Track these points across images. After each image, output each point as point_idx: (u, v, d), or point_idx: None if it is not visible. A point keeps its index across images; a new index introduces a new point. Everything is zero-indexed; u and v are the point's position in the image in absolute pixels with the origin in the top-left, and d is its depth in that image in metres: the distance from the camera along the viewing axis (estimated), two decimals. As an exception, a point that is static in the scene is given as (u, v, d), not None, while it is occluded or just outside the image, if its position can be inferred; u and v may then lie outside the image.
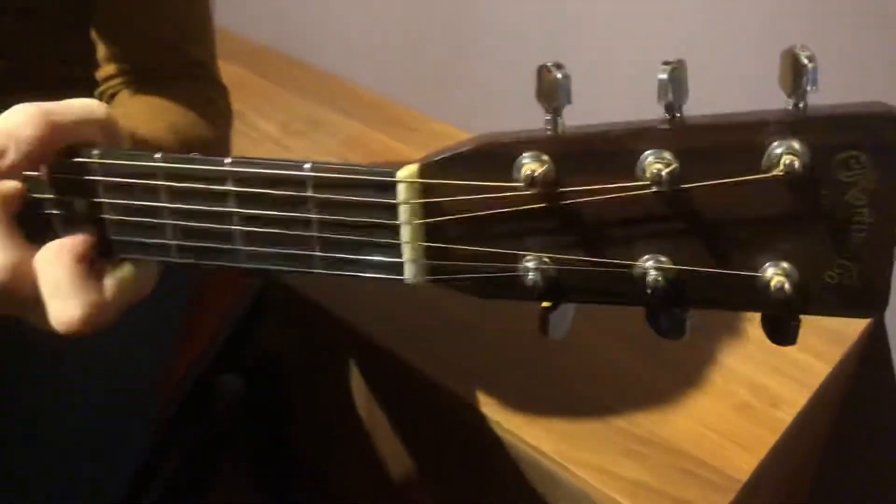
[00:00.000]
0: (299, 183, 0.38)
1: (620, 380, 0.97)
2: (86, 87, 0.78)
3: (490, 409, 0.96)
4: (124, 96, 0.75)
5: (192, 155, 0.40)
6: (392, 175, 0.36)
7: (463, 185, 0.35)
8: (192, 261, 0.42)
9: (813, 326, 0.93)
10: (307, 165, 0.37)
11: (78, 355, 0.77)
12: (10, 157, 0.40)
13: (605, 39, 1.18)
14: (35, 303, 0.42)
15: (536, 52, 1.28)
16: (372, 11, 1.47)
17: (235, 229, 0.40)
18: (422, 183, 0.36)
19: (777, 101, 0.33)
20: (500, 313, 1.05)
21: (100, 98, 0.77)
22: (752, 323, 1.02)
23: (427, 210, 0.36)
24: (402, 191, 0.36)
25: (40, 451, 0.75)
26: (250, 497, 1.29)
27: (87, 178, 0.42)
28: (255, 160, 0.39)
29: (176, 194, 0.40)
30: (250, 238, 0.40)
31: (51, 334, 0.43)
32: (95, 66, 0.77)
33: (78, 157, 0.42)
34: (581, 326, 1.00)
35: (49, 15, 0.76)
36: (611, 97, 1.07)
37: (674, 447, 0.90)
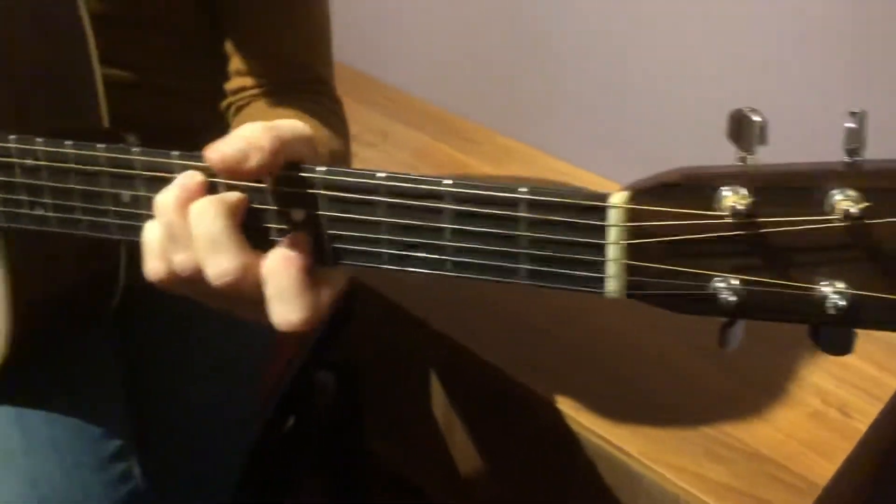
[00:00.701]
0: (512, 204, 0.43)
1: (700, 388, 1.02)
2: (203, 98, 0.83)
3: (573, 410, 1.01)
4: (254, 109, 0.80)
5: (411, 174, 0.45)
6: (604, 200, 0.41)
7: (667, 212, 0.41)
8: (399, 268, 0.47)
9: (881, 342, 0.97)
10: (523, 189, 0.43)
11: (199, 330, 0.83)
12: (252, 163, 0.45)
13: (660, 53, 1.23)
14: (254, 303, 0.48)
15: (598, 68, 1.33)
16: (438, 30, 1.53)
17: (447, 244, 0.45)
18: (631, 209, 0.41)
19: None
20: (579, 319, 1.11)
21: (227, 109, 0.83)
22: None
23: (632, 232, 0.41)
24: (613, 214, 0.41)
25: (171, 413, 0.80)
26: (320, 499, 1.33)
27: (310, 191, 0.47)
28: (472, 182, 0.44)
29: (394, 209, 0.46)
30: (460, 251, 0.45)
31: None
32: (219, 78, 0.82)
33: (300, 171, 0.48)
34: (664, 339, 1.06)
35: (180, 29, 0.81)
36: (673, 109, 1.13)
37: (756, 452, 0.95)
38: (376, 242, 0.47)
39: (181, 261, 0.48)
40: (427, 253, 0.46)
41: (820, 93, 1.08)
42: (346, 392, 1.18)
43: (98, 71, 0.65)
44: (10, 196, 0.57)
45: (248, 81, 0.81)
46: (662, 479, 0.94)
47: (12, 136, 0.55)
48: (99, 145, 0.53)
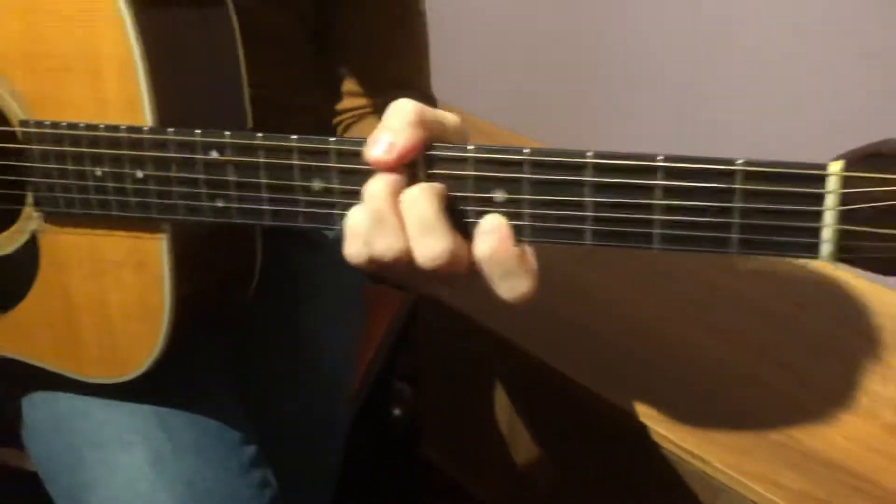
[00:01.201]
0: (728, 175, 0.46)
1: (777, 399, 1.05)
2: (308, 114, 0.86)
3: (649, 419, 1.03)
4: (367, 125, 0.83)
5: (622, 152, 0.48)
6: (823, 168, 0.45)
7: (879, 178, 0.44)
8: (603, 243, 0.50)
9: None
10: (739, 161, 0.46)
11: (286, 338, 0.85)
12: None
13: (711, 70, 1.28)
14: (445, 283, 0.51)
15: (648, 82, 1.38)
16: (493, 49, 1.58)
17: (656, 218, 0.48)
18: (846, 176, 0.44)
19: None
20: (651, 331, 1.14)
21: (336, 127, 0.86)
22: (891, 350, 1.11)
23: (847, 198, 0.45)
24: (831, 182, 0.45)
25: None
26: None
27: (514, 173, 0.50)
28: (685, 157, 0.47)
29: (601, 187, 0.49)
30: (669, 224, 0.48)
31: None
32: (329, 96, 0.85)
33: (502, 153, 0.50)
34: (738, 350, 1.09)
35: (294, 45, 0.84)
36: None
37: (834, 462, 0.98)
38: (581, 220, 0.50)
39: (386, 245, 0.50)
40: (636, 228, 0.49)
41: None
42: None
43: (245, 80, 0.68)
44: (190, 189, 0.59)
45: (359, 101, 0.84)
46: (743, 488, 0.96)
47: (198, 130, 0.58)
48: (292, 136, 0.55)
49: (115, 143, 0.60)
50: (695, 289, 1.21)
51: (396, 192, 0.50)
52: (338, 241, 0.54)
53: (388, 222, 0.50)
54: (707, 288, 1.20)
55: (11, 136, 0.64)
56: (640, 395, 1.05)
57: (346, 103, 0.84)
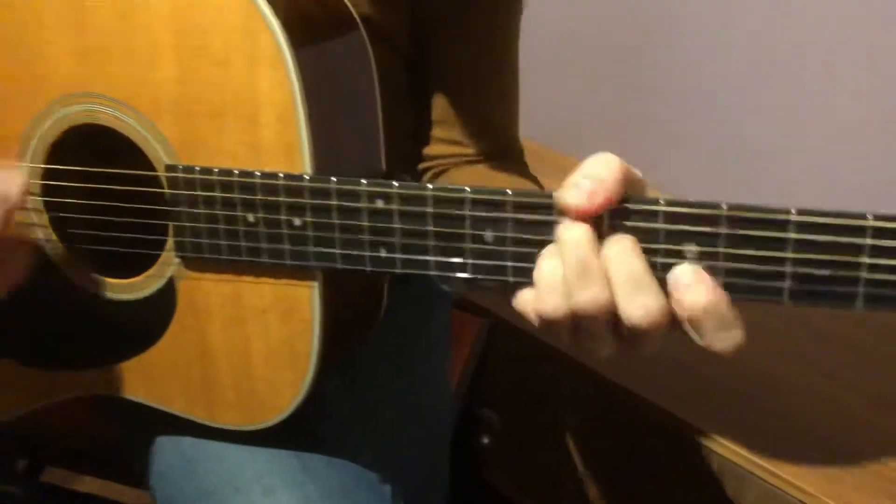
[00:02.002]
0: (859, 230, 0.46)
1: (873, 429, 1.04)
2: (407, 139, 0.85)
3: (742, 447, 1.03)
4: (462, 175, 0.82)
5: (827, 209, 0.48)
6: None
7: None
8: (801, 303, 0.49)
9: None
10: (869, 216, 0.46)
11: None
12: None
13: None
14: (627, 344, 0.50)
15: (709, 109, 1.38)
16: (541, 69, 1.57)
17: (862, 276, 0.48)
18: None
19: None
20: (733, 358, 1.13)
21: (423, 173, 0.84)
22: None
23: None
24: None
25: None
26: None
27: (708, 228, 0.49)
28: (817, 211, 0.47)
29: (805, 245, 0.48)
30: (875, 283, 0.47)
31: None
32: (418, 141, 0.84)
33: (691, 206, 0.50)
34: (822, 382, 1.09)
35: (388, 86, 0.83)
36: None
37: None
38: (780, 278, 0.49)
39: (591, 297, 0.49)
40: (840, 287, 0.48)
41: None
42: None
43: (381, 119, 0.67)
44: (352, 237, 0.58)
45: (447, 148, 0.82)
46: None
47: (364, 180, 0.57)
48: (465, 187, 0.54)
49: (271, 190, 0.59)
50: (777, 318, 1.20)
51: (596, 241, 0.50)
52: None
53: (594, 273, 0.49)
54: (791, 318, 1.20)
55: (155, 181, 0.63)
56: (731, 424, 1.05)
57: (435, 148, 0.83)
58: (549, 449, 1.24)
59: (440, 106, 0.81)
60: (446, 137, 0.82)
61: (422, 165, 0.84)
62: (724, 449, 1.03)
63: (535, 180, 0.82)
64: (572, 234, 0.50)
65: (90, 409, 0.81)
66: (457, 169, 0.83)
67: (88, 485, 1.27)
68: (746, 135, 1.37)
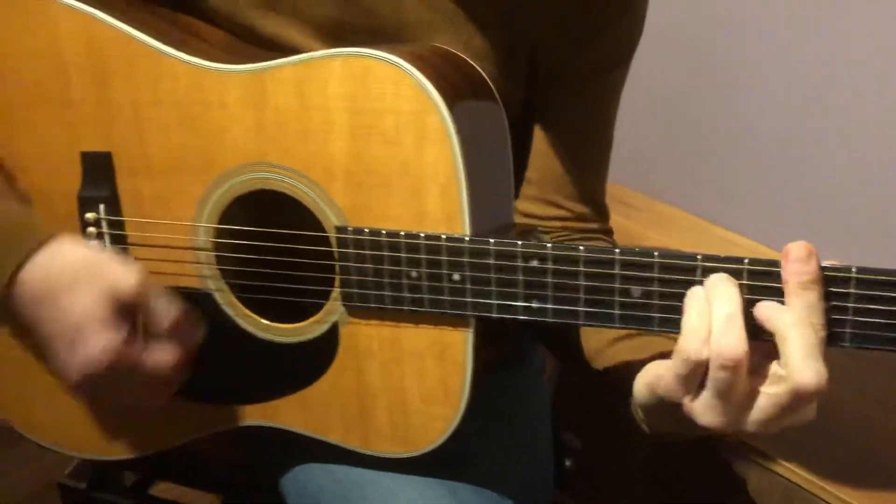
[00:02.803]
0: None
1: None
2: None
3: (827, 484, 1.08)
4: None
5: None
6: None
7: None
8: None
9: None
10: None
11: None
12: None
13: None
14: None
15: (760, 134, 1.44)
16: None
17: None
18: None
19: None
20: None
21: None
22: None
23: None
24: None
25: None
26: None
27: (841, 288, 0.57)
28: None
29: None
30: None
31: None
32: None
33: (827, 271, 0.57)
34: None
35: None
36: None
37: None
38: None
39: (730, 343, 0.57)
40: None
41: None
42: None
43: (512, 174, 0.74)
44: (507, 290, 0.66)
45: (546, 209, 0.86)
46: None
47: (519, 242, 0.65)
48: (616, 249, 0.62)
49: (435, 250, 0.67)
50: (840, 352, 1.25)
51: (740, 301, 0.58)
52: None
53: (737, 324, 0.57)
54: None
55: (324, 240, 0.71)
56: (807, 459, 1.09)
57: (529, 207, 0.86)
58: (621, 473, 1.29)
59: (536, 166, 0.86)
60: (538, 196, 0.86)
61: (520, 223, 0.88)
62: (798, 482, 1.08)
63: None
64: (725, 291, 0.58)
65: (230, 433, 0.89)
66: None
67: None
68: (807, 173, 1.43)
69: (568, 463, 1.19)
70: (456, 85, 0.68)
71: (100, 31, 0.73)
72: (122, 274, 0.67)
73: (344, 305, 0.72)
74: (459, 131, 0.66)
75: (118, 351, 0.66)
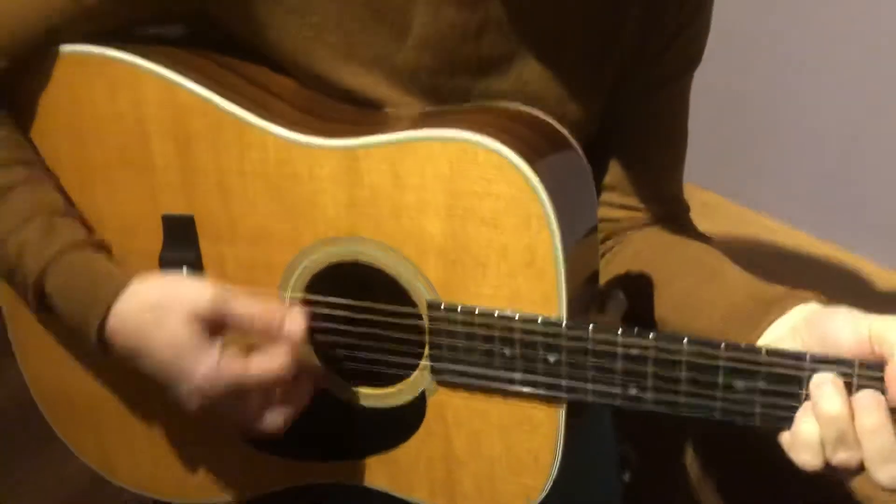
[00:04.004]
0: None
1: None
2: None
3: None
4: (634, 237, 0.86)
5: None
6: None
7: None
8: None
9: None
10: None
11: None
12: None
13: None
14: None
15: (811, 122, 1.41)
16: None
17: None
18: None
19: None
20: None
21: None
22: None
23: None
24: None
25: None
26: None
27: None
28: None
29: None
30: None
31: None
32: None
33: None
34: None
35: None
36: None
37: None
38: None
39: (844, 458, 0.57)
40: None
41: None
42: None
43: (599, 257, 0.73)
44: (604, 376, 0.66)
45: (624, 213, 0.87)
46: None
47: (619, 330, 0.64)
48: (720, 345, 0.62)
49: (529, 332, 0.67)
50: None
51: (850, 414, 0.57)
52: None
53: (849, 441, 0.57)
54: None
55: (415, 315, 0.71)
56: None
57: (608, 212, 0.86)
58: (669, 484, 1.30)
59: (615, 172, 0.85)
60: (619, 202, 0.85)
61: None
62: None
63: (706, 239, 0.86)
64: (830, 411, 0.57)
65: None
66: (633, 232, 0.86)
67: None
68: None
69: (626, 476, 1.20)
70: (549, 160, 0.67)
71: (182, 97, 0.71)
72: (195, 293, 0.68)
73: (432, 376, 0.72)
74: (559, 217, 0.65)
75: (218, 370, 0.67)
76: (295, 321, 0.69)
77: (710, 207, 1.54)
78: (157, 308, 0.68)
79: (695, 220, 0.89)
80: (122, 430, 0.84)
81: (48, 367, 0.84)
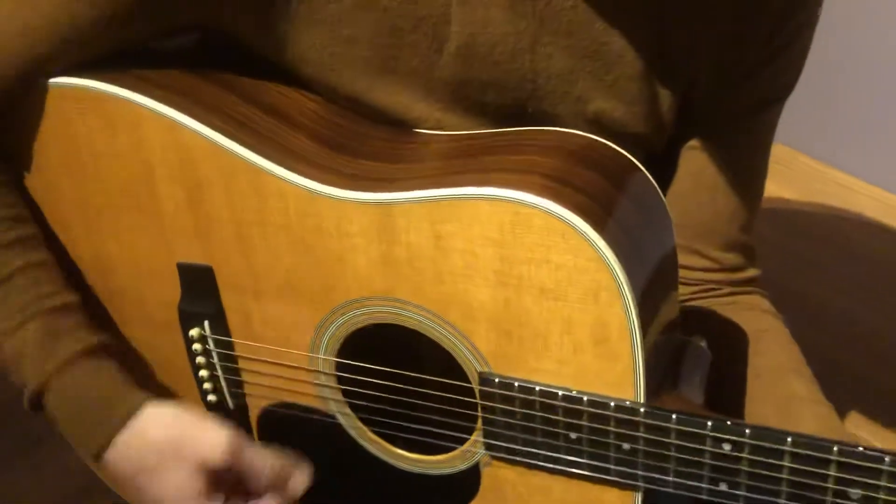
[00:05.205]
0: None
1: None
2: None
3: None
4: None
5: None
6: None
7: None
8: None
9: None
10: None
11: None
12: None
13: None
14: None
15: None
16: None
17: None
18: None
19: None
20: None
21: None
22: None
23: None
24: None
25: None
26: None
27: None
28: None
29: None
30: None
31: None
32: None
33: None
34: None
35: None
36: None
37: None
38: None
39: None
40: None
41: None
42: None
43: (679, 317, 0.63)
44: (690, 470, 0.56)
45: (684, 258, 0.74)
46: None
47: (709, 422, 0.54)
48: (835, 447, 0.51)
49: (601, 417, 0.57)
50: None
51: None
52: None
53: None
54: None
55: (465, 387, 0.61)
56: None
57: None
58: None
59: (682, 209, 0.71)
60: (683, 244, 0.72)
61: None
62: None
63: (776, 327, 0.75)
64: None
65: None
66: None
67: None
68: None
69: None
70: (620, 213, 0.56)
71: (188, 140, 0.61)
72: (209, 443, 0.62)
73: (487, 450, 0.63)
74: (634, 287, 0.54)
75: None
76: (300, 481, 0.64)
77: (782, 161, 1.42)
78: (163, 453, 0.62)
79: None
80: None
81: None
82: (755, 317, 0.75)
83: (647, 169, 0.60)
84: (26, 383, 0.63)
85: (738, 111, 0.70)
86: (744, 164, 0.73)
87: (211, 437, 0.61)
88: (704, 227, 0.73)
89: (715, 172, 0.72)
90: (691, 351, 0.64)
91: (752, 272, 0.77)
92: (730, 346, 0.72)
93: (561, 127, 0.62)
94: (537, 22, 0.61)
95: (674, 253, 0.61)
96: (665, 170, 0.72)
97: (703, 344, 0.66)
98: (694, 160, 0.72)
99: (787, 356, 0.73)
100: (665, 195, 0.67)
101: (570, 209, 0.53)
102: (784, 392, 0.69)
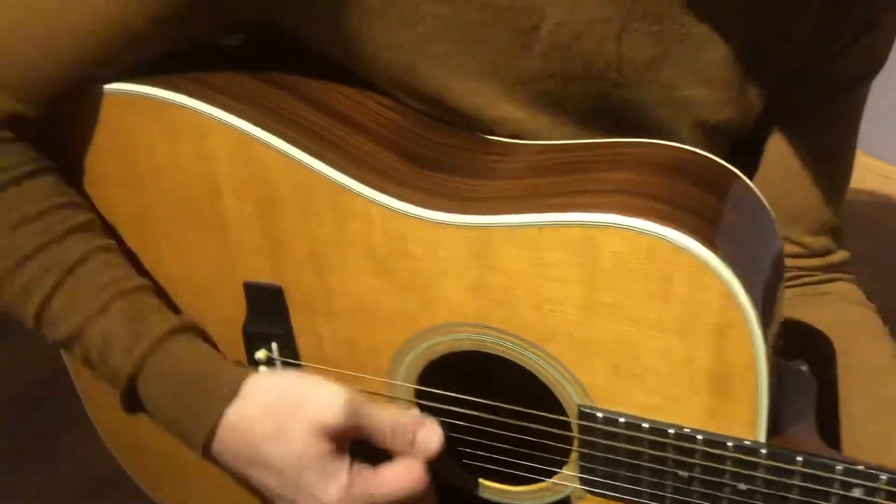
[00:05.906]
0: None
1: None
2: None
3: None
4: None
5: None
6: None
7: None
8: None
9: None
10: None
11: None
12: None
13: None
14: None
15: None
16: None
17: None
18: None
19: None
20: None
21: None
22: None
23: None
24: None
25: None
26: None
27: None
28: None
29: None
30: None
31: None
32: None
33: None
34: None
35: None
36: None
37: None
38: None
39: None
40: None
41: None
42: None
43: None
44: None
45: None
46: None
47: (839, 466, 0.50)
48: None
49: (716, 457, 0.52)
50: None
51: None
52: None
53: None
54: None
55: (561, 420, 0.57)
56: None
57: None
58: None
59: (771, 196, 0.65)
60: None
61: None
62: None
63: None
64: None
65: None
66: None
67: None
68: None
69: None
70: (737, 240, 0.51)
71: (260, 154, 0.56)
72: (325, 403, 0.56)
73: (582, 486, 0.59)
74: (764, 324, 0.49)
75: (350, 491, 0.56)
76: (431, 436, 0.58)
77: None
78: (276, 418, 0.56)
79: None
80: (202, 483, 0.73)
81: (119, 421, 0.73)
82: (846, 308, 0.72)
83: (731, 159, 0.56)
84: (117, 372, 0.57)
85: (829, 91, 0.67)
86: (834, 146, 0.70)
87: (327, 397, 0.56)
88: (794, 214, 0.70)
89: (805, 156, 0.68)
90: (792, 377, 0.60)
91: (841, 254, 0.74)
92: (820, 349, 0.69)
93: (646, 116, 0.60)
94: (626, 8, 0.56)
95: (783, 274, 0.56)
96: (750, 158, 0.68)
97: (805, 368, 0.62)
98: (782, 145, 0.68)
99: (882, 353, 0.69)
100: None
101: (694, 237, 0.48)
102: (882, 395, 0.66)
